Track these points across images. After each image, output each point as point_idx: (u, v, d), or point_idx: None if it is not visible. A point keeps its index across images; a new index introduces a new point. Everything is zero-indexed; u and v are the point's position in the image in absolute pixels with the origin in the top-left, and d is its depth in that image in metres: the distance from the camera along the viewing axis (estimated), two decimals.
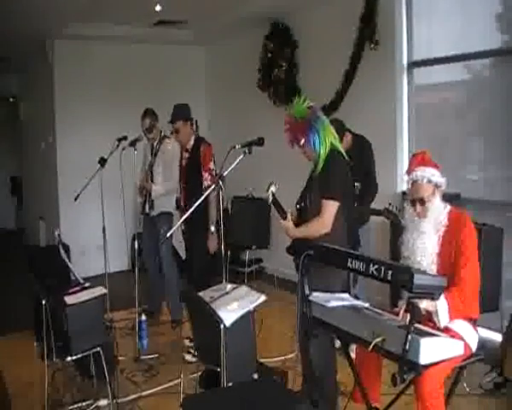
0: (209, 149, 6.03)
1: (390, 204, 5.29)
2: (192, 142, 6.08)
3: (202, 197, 4.68)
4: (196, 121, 9.83)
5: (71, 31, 8.75)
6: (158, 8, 8.00)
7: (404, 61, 6.83)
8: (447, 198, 3.78)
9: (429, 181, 3.64)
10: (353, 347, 4.44)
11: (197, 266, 5.99)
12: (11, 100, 13.88)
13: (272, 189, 4.15)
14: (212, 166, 5.95)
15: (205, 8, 8.40)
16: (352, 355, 4.03)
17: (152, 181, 6.53)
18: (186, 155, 6.13)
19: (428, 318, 3.43)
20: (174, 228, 4.54)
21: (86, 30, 8.85)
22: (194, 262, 6.05)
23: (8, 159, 14.53)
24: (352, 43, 7.04)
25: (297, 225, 4.15)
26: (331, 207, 4.01)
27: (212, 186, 4.62)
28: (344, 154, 4.20)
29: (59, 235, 5.33)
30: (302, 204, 4.24)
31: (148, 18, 8.79)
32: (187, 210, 5.08)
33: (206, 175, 5.89)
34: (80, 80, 9.30)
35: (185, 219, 4.85)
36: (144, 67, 9.85)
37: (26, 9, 7.50)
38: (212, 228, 5.76)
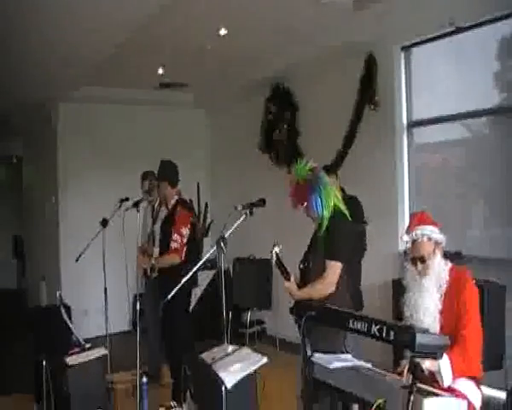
0: (185, 215, 6.06)
1: None
2: (173, 201, 6.10)
3: (204, 258, 4.67)
4: (198, 184, 9.93)
5: (74, 94, 8.89)
6: (160, 70, 8.14)
7: (404, 121, 6.90)
8: (449, 256, 3.79)
9: (429, 238, 3.66)
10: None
11: (181, 332, 5.97)
12: (15, 161, 14.00)
13: (276, 249, 4.16)
14: (184, 231, 5.93)
15: (205, 72, 8.54)
16: None
17: (153, 244, 6.54)
18: (165, 212, 6.17)
19: (432, 378, 3.41)
20: (173, 291, 4.52)
21: (89, 93, 9.00)
22: (177, 328, 6.00)
23: (11, 219, 14.56)
24: (351, 104, 7.13)
25: (299, 285, 4.15)
26: (334, 268, 4.02)
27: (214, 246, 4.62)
28: (347, 215, 4.23)
29: (60, 295, 5.32)
30: (305, 264, 4.24)
31: (150, 81, 8.93)
32: None
33: (176, 236, 5.89)
34: (83, 142, 9.41)
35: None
36: (146, 129, 9.97)
37: (30, 73, 7.65)
38: (153, 262, 5.96)
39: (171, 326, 6.00)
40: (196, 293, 7.41)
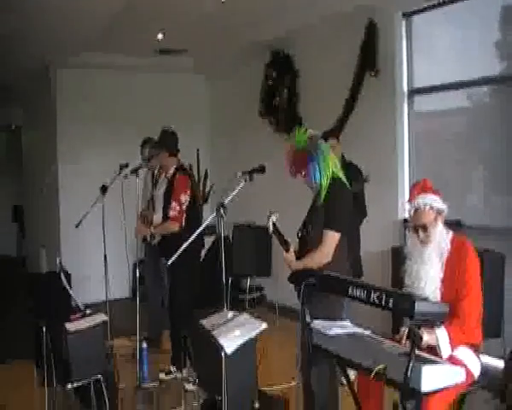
0: (183, 179, 6.02)
1: None
2: (172, 171, 6.08)
3: (204, 225, 4.67)
4: (198, 150, 9.91)
5: (73, 60, 8.83)
6: (159, 36, 8.08)
7: (405, 89, 6.86)
8: (448, 225, 3.79)
9: (431, 207, 3.64)
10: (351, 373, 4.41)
11: (180, 298, 5.99)
12: (13, 128, 13.95)
13: (273, 218, 4.16)
14: (183, 198, 5.91)
15: (205, 37, 8.47)
16: (351, 375, 4.00)
17: (153, 210, 6.54)
18: (165, 180, 6.18)
19: (431, 347, 3.42)
20: (175, 256, 4.52)
21: (88, 59, 8.95)
22: (177, 294, 6.03)
23: (11, 187, 14.57)
24: (352, 71, 7.08)
25: (298, 254, 4.15)
26: (332, 238, 4.01)
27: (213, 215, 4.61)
28: (346, 182, 4.21)
29: (60, 262, 5.31)
30: (304, 232, 4.23)
31: (149, 47, 8.87)
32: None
33: (173, 204, 5.87)
34: (82, 109, 9.37)
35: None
36: (146, 95, 9.92)
37: (29, 39, 7.59)
38: (153, 230, 6.06)
39: (174, 293, 6.01)
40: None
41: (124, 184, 5.88)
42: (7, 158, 14.50)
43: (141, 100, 9.84)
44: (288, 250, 4.13)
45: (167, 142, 6.06)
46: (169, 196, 6.01)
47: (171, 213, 5.85)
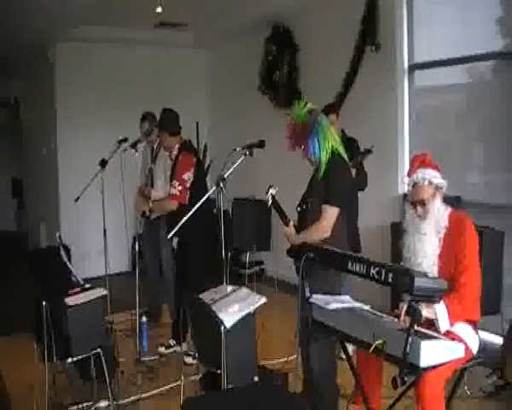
0: (187, 158, 5.89)
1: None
2: (175, 151, 6.01)
3: (204, 198, 4.67)
4: (197, 123, 9.88)
5: (72, 33, 8.77)
6: (159, 9, 8.01)
7: (405, 64, 6.83)
8: (448, 201, 3.78)
9: (430, 183, 3.63)
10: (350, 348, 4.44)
11: (192, 272, 5.89)
12: (12, 103, 13.89)
13: (272, 191, 4.14)
14: (186, 177, 5.79)
15: (205, 11, 8.41)
16: (350, 350, 4.03)
17: (152, 185, 6.53)
18: (165, 158, 6.14)
19: (429, 326, 3.43)
20: (175, 230, 4.52)
21: (87, 32, 8.88)
22: (187, 269, 5.95)
23: (9, 161, 14.52)
24: (352, 46, 7.05)
25: (297, 228, 4.15)
26: (331, 213, 4.00)
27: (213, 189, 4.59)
28: (346, 157, 4.20)
29: (60, 237, 5.31)
30: (303, 207, 4.23)
31: (149, 20, 8.80)
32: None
33: (176, 183, 5.76)
34: (81, 83, 9.34)
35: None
36: (146, 69, 9.87)
37: (28, 12, 7.53)
38: (150, 204, 6.08)
39: (185, 274, 5.96)
40: None
41: (123, 159, 5.86)
42: (6, 133, 14.45)
43: (140, 74, 9.79)
44: (287, 224, 4.13)
45: (167, 122, 5.94)
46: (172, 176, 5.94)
47: (172, 191, 5.78)
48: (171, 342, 6.12)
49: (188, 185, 5.77)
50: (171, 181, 5.87)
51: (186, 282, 5.86)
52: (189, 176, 5.79)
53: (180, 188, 5.74)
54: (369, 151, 5.85)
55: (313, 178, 4.24)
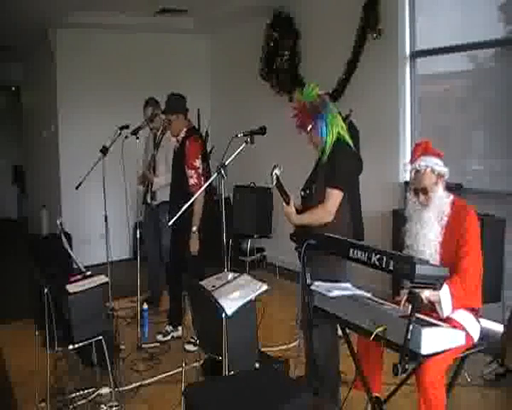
0: (195, 145, 5.79)
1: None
2: (183, 134, 5.93)
3: (204, 186, 4.65)
4: (198, 110, 9.85)
5: (73, 19, 8.75)
6: None
7: (407, 51, 6.79)
8: (449, 188, 3.78)
9: (432, 170, 3.63)
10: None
11: (191, 258, 5.79)
12: (13, 89, 13.88)
13: (276, 171, 4.14)
14: (197, 163, 5.71)
15: None
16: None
17: (154, 172, 6.51)
18: (176, 146, 6.08)
19: (431, 309, 3.43)
20: (176, 217, 4.51)
21: (88, 18, 8.85)
22: (187, 255, 5.86)
23: (11, 148, 14.54)
24: (354, 32, 7.01)
25: (300, 212, 4.14)
26: (335, 197, 4.01)
27: (212, 178, 4.57)
28: (351, 144, 4.20)
29: (61, 223, 5.30)
30: (307, 191, 4.23)
31: (149, 6, 8.78)
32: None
33: (190, 172, 5.68)
34: (82, 69, 9.31)
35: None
36: (146, 55, 9.85)
37: None
38: (194, 228, 5.60)
39: (185, 259, 5.93)
40: None
41: (124, 145, 5.85)
42: (7, 118, 14.44)
43: (141, 60, 9.77)
44: (288, 203, 4.12)
45: (175, 104, 5.89)
46: (178, 163, 5.88)
47: (191, 182, 5.71)
48: (168, 328, 6.12)
49: (200, 171, 5.71)
50: (182, 170, 5.79)
51: (185, 267, 5.85)
52: (199, 162, 5.74)
53: (195, 175, 5.68)
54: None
55: (318, 163, 4.25)
